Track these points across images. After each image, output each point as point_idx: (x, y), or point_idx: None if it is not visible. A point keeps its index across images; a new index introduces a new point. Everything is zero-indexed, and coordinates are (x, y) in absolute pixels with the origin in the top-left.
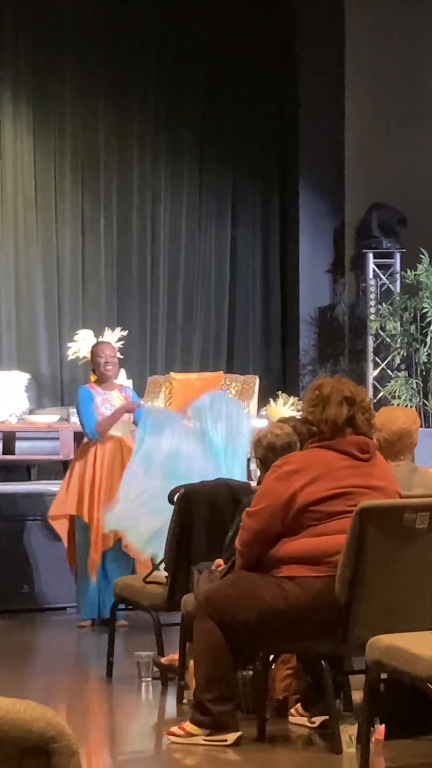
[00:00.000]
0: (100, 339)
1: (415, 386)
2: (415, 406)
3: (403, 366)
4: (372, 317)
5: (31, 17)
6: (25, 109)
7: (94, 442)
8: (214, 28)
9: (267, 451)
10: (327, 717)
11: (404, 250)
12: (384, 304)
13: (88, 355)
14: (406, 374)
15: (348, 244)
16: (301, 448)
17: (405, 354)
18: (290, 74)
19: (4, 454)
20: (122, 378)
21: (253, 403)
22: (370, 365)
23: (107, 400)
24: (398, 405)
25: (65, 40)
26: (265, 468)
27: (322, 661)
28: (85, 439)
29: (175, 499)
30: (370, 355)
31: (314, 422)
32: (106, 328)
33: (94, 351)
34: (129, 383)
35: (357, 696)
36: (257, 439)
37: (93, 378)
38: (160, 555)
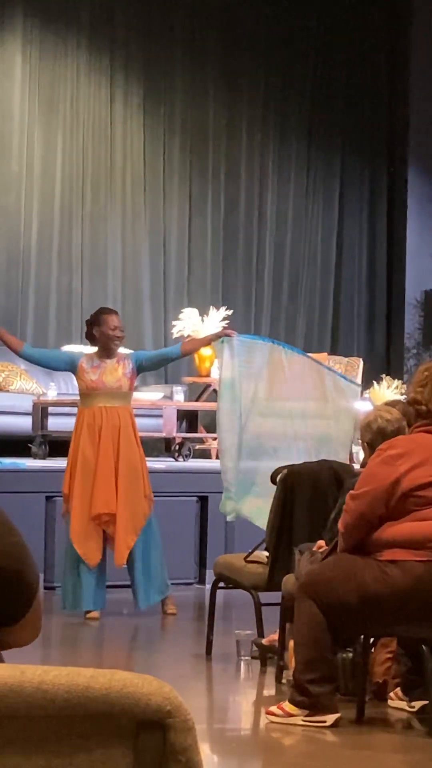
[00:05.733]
0: (106, 307)
1: None
2: None
3: None
4: None
5: None
6: (136, 89)
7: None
8: (325, 8)
9: (376, 436)
10: (427, 702)
11: None
12: None
13: (192, 333)
14: None
15: None
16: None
17: None
18: (401, 56)
19: None
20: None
21: None
22: None
23: (97, 368)
24: None
25: (177, 21)
26: (371, 451)
27: (423, 646)
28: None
29: (278, 479)
30: None
31: (422, 401)
32: (211, 306)
33: (104, 320)
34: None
35: None
36: (366, 423)
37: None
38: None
